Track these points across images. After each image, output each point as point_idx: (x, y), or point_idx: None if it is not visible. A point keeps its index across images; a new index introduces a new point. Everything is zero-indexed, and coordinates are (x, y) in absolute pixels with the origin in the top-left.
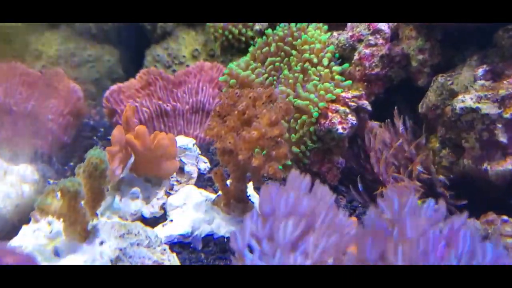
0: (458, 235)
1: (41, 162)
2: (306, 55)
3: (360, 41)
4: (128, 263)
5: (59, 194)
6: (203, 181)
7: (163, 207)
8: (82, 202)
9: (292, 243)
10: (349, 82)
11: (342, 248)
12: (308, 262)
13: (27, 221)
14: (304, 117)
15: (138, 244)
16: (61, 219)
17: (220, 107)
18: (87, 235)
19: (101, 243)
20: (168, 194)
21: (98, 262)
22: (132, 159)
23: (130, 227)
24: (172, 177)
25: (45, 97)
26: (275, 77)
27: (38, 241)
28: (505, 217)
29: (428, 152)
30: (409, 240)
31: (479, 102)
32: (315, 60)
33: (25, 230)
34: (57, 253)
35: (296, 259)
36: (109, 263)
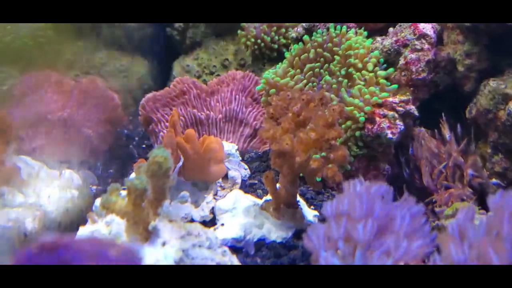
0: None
1: (81, 169)
2: (351, 60)
3: (405, 46)
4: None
5: (124, 192)
6: (244, 187)
7: (212, 211)
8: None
9: (370, 244)
10: (395, 86)
11: (425, 252)
12: (389, 262)
13: (77, 223)
14: (349, 122)
15: (199, 246)
16: (125, 218)
17: (273, 109)
18: (148, 235)
19: (164, 243)
20: (216, 199)
21: (162, 264)
22: (180, 163)
23: (189, 228)
24: (216, 183)
25: (81, 105)
26: (314, 83)
27: None
28: None
29: (478, 157)
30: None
31: None
32: (359, 65)
33: (82, 231)
34: None
35: (377, 257)
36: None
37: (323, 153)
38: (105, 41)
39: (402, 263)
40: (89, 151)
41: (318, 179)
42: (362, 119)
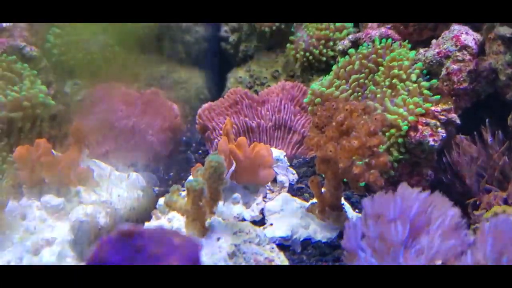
0: None
1: (145, 171)
2: (395, 71)
3: (447, 57)
4: (242, 258)
5: (183, 193)
6: (292, 191)
7: (261, 212)
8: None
9: (404, 243)
10: (437, 96)
11: (458, 252)
12: (422, 262)
13: (142, 220)
14: (392, 130)
15: (250, 242)
16: (185, 215)
17: (318, 119)
18: (205, 231)
19: (218, 239)
20: (265, 201)
21: (217, 256)
22: (233, 167)
23: (241, 225)
24: (266, 186)
25: (144, 114)
26: (359, 93)
27: None
28: None
29: None
30: None
31: None
32: (403, 76)
33: (147, 226)
34: None
35: (411, 256)
36: (227, 257)
37: (366, 160)
38: (166, 55)
39: (436, 262)
40: (152, 156)
41: (361, 184)
42: (405, 127)
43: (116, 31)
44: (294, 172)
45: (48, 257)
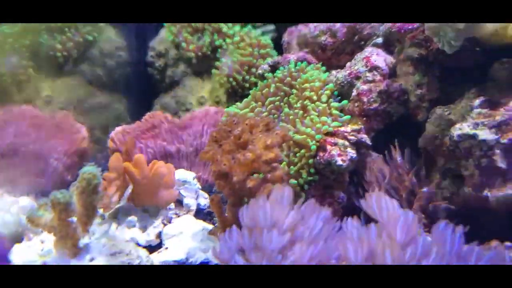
0: (445, 237)
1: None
2: (307, 92)
3: (358, 78)
4: None
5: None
6: (202, 215)
7: (159, 236)
8: (75, 218)
9: (280, 252)
10: (347, 116)
11: (330, 255)
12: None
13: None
14: (302, 151)
15: (128, 263)
16: (52, 233)
17: (216, 133)
18: (77, 251)
19: (91, 259)
20: (165, 224)
21: None
22: (130, 188)
23: (122, 246)
24: (170, 210)
25: (51, 138)
26: (275, 115)
27: (29, 257)
28: (508, 243)
29: (429, 183)
30: (398, 244)
31: (476, 129)
32: (314, 97)
33: (17, 248)
34: None
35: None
36: None
37: (261, 174)
38: (86, 79)
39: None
40: (55, 181)
41: None
42: (313, 147)
43: (31, 52)
44: (207, 196)
45: None
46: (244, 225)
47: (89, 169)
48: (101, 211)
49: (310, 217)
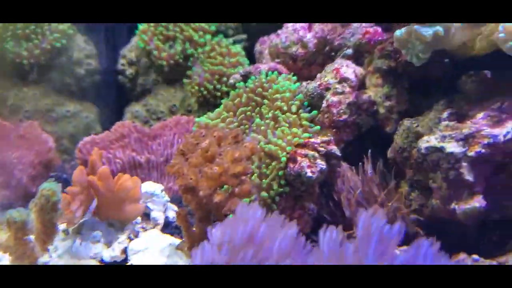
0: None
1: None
2: (278, 103)
3: (327, 89)
4: None
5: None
6: (171, 229)
7: (124, 251)
8: (33, 237)
9: None
10: (317, 127)
11: None
12: None
13: None
14: (274, 163)
15: None
16: (7, 253)
17: (183, 146)
18: None
19: None
20: (131, 239)
21: None
22: (95, 202)
23: (83, 262)
24: (137, 224)
25: (16, 148)
26: (246, 126)
27: None
28: (475, 256)
29: (399, 195)
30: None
31: (443, 142)
32: (285, 108)
33: None
34: None
35: None
36: None
37: (229, 188)
38: (54, 88)
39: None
40: (19, 193)
41: (230, 215)
42: (283, 159)
43: None
44: (176, 209)
45: None
46: (214, 242)
47: (48, 186)
48: (64, 226)
49: (278, 233)
